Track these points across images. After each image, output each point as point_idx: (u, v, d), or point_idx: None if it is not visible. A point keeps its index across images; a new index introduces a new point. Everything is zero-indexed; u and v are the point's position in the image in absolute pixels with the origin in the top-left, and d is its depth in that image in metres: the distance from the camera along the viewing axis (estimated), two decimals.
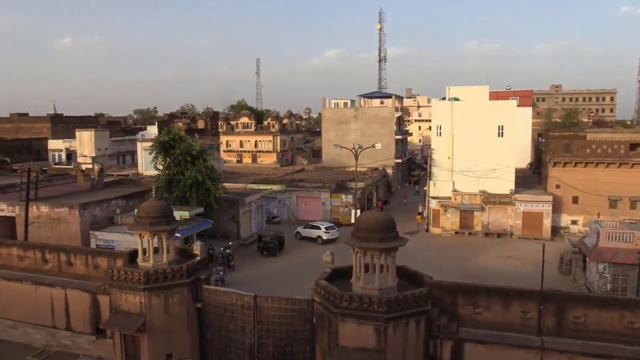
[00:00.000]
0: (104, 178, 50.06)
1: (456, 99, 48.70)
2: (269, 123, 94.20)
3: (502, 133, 45.91)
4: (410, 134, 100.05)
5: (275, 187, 52.52)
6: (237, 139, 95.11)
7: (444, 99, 53.07)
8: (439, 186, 47.71)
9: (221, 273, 32.80)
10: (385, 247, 19.17)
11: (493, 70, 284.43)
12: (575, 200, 45.44)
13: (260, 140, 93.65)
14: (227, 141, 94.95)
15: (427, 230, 48.25)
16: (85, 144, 72.79)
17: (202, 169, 39.80)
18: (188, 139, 42.91)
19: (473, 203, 46.20)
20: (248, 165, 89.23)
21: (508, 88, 74.67)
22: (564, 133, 49.81)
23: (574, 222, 45.95)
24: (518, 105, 51.43)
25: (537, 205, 44.92)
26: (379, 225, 19.30)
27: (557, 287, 26.06)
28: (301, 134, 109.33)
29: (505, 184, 45.77)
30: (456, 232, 46.55)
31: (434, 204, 47.71)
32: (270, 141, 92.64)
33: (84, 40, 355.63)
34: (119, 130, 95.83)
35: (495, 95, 56.96)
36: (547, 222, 44.83)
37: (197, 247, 24.71)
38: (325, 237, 43.96)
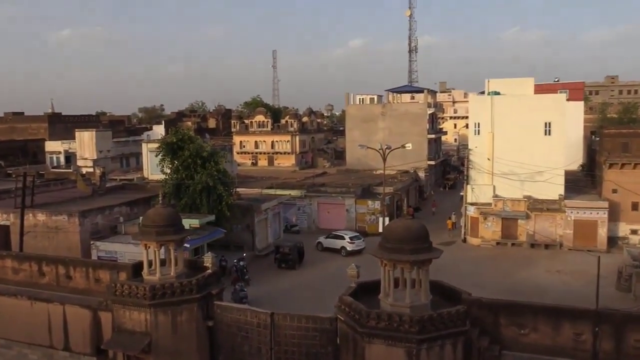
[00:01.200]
0: (106, 183, 50.73)
1: (497, 93, 48.21)
2: (287, 121, 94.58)
3: (549, 131, 45.29)
4: (445, 133, 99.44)
5: (294, 193, 52.64)
6: (251, 140, 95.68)
7: (482, 93, 52.57)
8: (478, 191, 47.27)
9: (245, 290, 32.75)
10: (417, 260, 19.02)
11: (539, 61, 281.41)
12: (635, 206, 44.55)
13: (277, 141, 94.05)
14: (240, 142, 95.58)
15: (465, 240, 47.85)
16: (85, 145, 73.96)
17: (213, 172, 40.10)
18: (198, 139, 43.31)
19: (517, 210, 45.64)
20: (264, 168, 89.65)
21: (556, 80, 73.73)
22: (622, 130, 48.89)
23: (634, 232, 45.04)
24: (568, 99, 50.74)
25: (591, 213, 44.16)
26: (410, 234, 19.17)
27: (614, 305, 25.52)
28: (323, 134, 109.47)
29: (553, 189, 45.11)
30: (497, 243, 46.05)
31: (472, 211, 47.28)
32: (288, 141, 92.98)
33: (84, 31, 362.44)
34: (122, 130, 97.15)
35: (541, 89, 56.26)
36: (603, 232, 44.03)
37: (208, 259, 24.84)
38: (349, 248, 43.90)
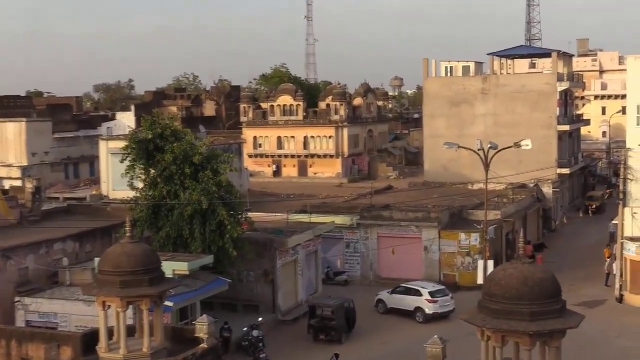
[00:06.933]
0: (42, 204, 51.53)
1: None
2: (328, 105, 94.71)
3: None
4: (588, 123, 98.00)
5: (340, 220, 52.55)
6: (273, 135, 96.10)
7: None
8: None
9: None
10: (541, 331, 18.76)
11: None
12: None
13: (313, 136, 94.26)
14: (255, 138, 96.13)
15: (621, 299, 47.09)
16: (10, 144, 75.28)
17: (211, 187, 40.33)
18: (188, 134, 43.65)
19: None
20: (292, 180, 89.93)
21: None
22: None
23: None
24: None
25: None
26: (529, 289, 18.91)
27: None
28: (386, 125, 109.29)
29: None
30: None
31: (632, 252, 46.51)
32: (331, 137, 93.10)
33: None
34: (68, 120, 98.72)
35: None
36: None
37: (202, 327, 24.97)
38: (429, 309, 43.62)
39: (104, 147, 61.48)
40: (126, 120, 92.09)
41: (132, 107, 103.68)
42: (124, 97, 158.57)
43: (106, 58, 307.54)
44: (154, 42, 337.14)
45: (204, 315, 27.91)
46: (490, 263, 45.62)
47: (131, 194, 43.16)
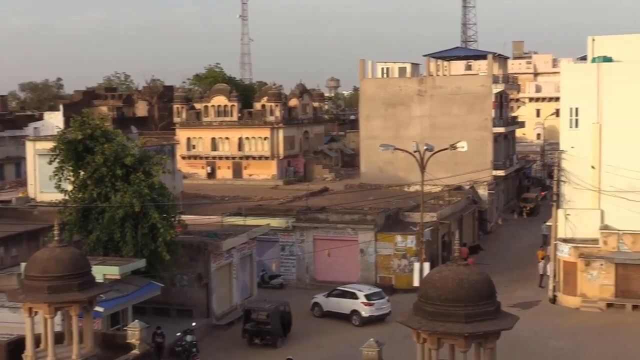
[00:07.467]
0: None
1: (607, 60, 48.28)
2: (263, 106, 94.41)
3: None
4: (522, 125, 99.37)
5: (275, 222, 52.55)
6: (206, 136, 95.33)
7: (583, 58, 52.70)
8: (576, 220, 47.22)
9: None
10: (475, 332, 18.96)
11: None
12: None
13: (248, 137, 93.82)
14: (189, 139, 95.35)
15: (554, 300, 47.86)
16: None
17: (143, 189, 39.99)
18: (119, 135, 43.21)
19: None
20: (227, 182, 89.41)
21: None
22: None
23: None
24: None
25: None
26: (464, 290, 19.09)
27: None
28: (322, 126, 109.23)
29: None
30: (609, 305, 45.92)
31: (565, 253, 47.26)
32: (266, 139, 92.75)
33: None
34: None
35: None
36: None
37: (134, 332, 24.74)
38: (365, 312, 43.78)
39: (30, 148, 60.37)
40: (54, 120, 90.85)
41: (61, 107, 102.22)
42: (51, 96, 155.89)
43: (33, 55, 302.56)
44: (83, 40, 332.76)
45: (136, 320, 27.65)
46: (426, 265, 46.02)
47: (59, 197, 42.61)
